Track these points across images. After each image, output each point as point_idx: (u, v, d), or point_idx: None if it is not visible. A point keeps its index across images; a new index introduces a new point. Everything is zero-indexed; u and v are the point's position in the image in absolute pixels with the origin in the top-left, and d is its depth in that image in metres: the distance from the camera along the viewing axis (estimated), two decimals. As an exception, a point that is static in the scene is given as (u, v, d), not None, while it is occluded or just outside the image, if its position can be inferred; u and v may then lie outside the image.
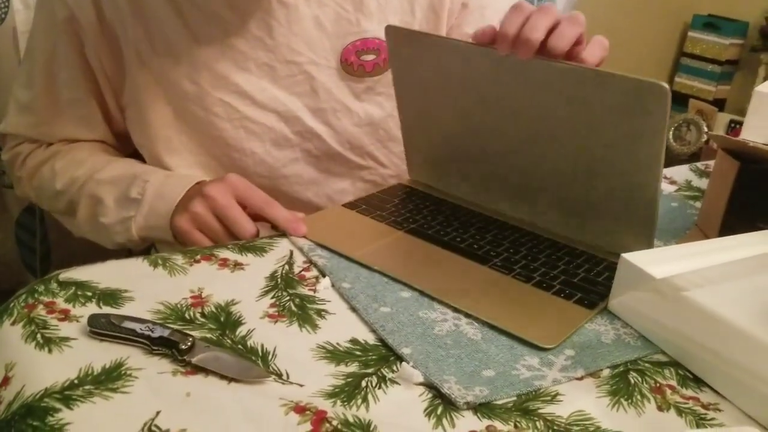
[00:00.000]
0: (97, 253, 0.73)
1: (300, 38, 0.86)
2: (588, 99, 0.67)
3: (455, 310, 0.64)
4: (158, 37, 0.84)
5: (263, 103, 0.87)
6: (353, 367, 0.56)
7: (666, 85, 0.61)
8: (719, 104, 2.82)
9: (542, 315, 0.64)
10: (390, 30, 0.79)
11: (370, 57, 0.89)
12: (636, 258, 0.63)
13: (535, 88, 0.70)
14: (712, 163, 0.96)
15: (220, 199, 0.76)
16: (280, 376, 0.54)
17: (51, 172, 0.87)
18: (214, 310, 0.62)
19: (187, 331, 0.57)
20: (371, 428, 0.49)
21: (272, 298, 0.64)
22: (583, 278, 0.70)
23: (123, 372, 0.53)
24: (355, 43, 0.88)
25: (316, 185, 0.94)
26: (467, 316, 0.63)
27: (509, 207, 0.81)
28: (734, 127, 2.59)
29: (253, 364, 0.55)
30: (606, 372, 0.58)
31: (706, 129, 2.23)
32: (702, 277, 0.60)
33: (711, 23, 2.81)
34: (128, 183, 0.82)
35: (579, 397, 0.54)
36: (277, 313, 0.62)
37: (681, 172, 1.06)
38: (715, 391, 0.57)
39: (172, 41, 0.84)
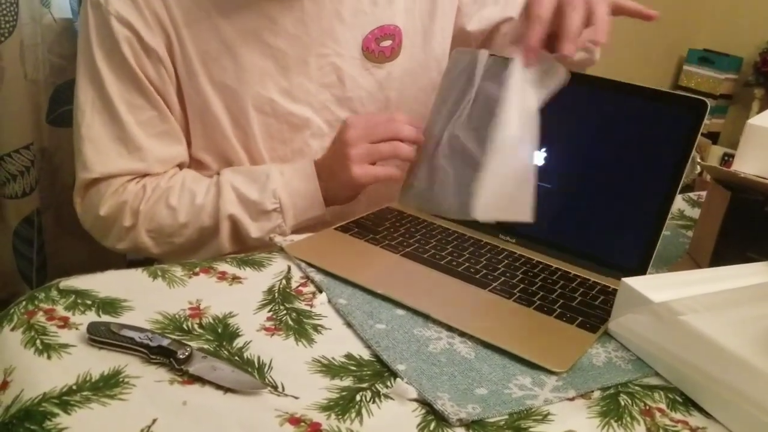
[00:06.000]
0: (92, 265, 0.73)
1: (326, 32, 0.92)
2: (634, 113, 0.77)
3: (449, 329, 0.65)
4: (209, 45, 0.87)
5: (300, 98, 0.93)
6: (348, 382, 0.56)
7: (707, 100, 0.74)
8: (713, 137, 2.86)
9: (548, 339, 0.65)
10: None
11: (388, 42, 0.97)
12: (636, 283, 0.65)
13: (584, 102, 0.80)
14: (704, 193, 0.97)
15: (365, 130, 0.85)
16: (275, 388, 0.55)
17: (169, 210, 0.87)
18: (211, 321, 0.62)
19: (185, 342, 0.57)
20: (365, 441, 0.50)
21: (269, 311, 0.65)
22: (581, 302, 0.71)
23: (121, 379, 0.53)
24: (374, 31, 0.96)
25: None
26: (461, 335, 0.64)
27: (513, 228, 0.83)
28: (727, 160, 2.62)
29: (249, 376, 0.55)
30: (597, 393, 0.59)
31: (699, 161, 2.25)
32: (698, 303, 0.62)
33: (706, 58, 2.85)
34: (257, 198, 0.86)
35: (570, 417, 0.55)
36: (273, 327, 0.63)
37: (674, 202, 1.07)
38: (704, 415, 0.58)
39: (222, 49, 0.88)
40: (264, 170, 0.89)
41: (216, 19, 0.87)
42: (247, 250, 0.85)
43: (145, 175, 0.89)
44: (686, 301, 0.62)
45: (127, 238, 0.88)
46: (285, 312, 0.65)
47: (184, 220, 0.86)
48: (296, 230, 0.88)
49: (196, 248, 0.89)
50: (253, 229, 0.87)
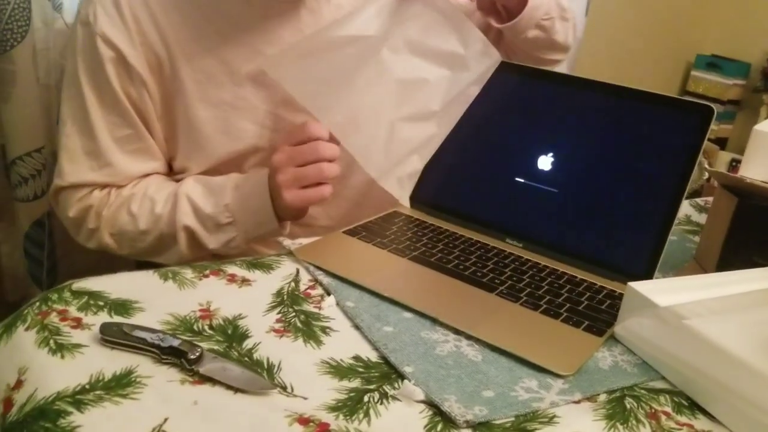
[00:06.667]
0: (102, 268, 0.75)
1: None
2: (641, 118, 0.79)
3: (456, 332, 0.65)
4: (204, 63, 0.88)
5: (299, 107, 0.92)
6: (356, 383, 0.57)
7: (713, 106, 0.75)
8: (721, 143, 2.86)
9: (555, 342, 0.65)
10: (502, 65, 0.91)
11: None
12: (641, 287, 0.65)
13: (591, 107, 0.82)
14: (711, 199, 0.98)
15: (290, 154, 0.82)
16: (284, 388, 0.55)
17: (130, 216, 0.89)
18: (221, 323, 0.63)
19: (196, 343, 0.58)
20: (372, 442, 0.51)
21: (278, 313, 0.66)
22: (587, 306, 0.71)
23: (133, 379, 0.54)
24: None
25: (345, 178, 0.97)
26: (468, 338, 0.64)
27: (520, 232, 0.83)
28: (735, 165, 2.62)
29: (258, 376, 0.56)
30: (602, 397, 0.59)
31: (707, 167, 2.25)
32: (704, 308, 0.62)
33: (714, 63, 2.85)
34: (211, 212, 0.87)
35: (575, 420, 0.56)
36: (282, 328, 0.63)
37: (681, 208, 1.08)
38: (710, 419, 0.58)
39: (218, 66, 0.88)
40: (221, 183, 0.89)
41: (212, 38, 0.87)
42: (210, 256, 0.87)
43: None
44: (692, 306, 0.62)
45: (93, 239, 0.92)
46: (294, 314, 0.66)
47: (144, 227, 0.89)
48: (254, 240, 0.89)
49: (159, 252, 0.91)
50: (210, 241, 0.88)
